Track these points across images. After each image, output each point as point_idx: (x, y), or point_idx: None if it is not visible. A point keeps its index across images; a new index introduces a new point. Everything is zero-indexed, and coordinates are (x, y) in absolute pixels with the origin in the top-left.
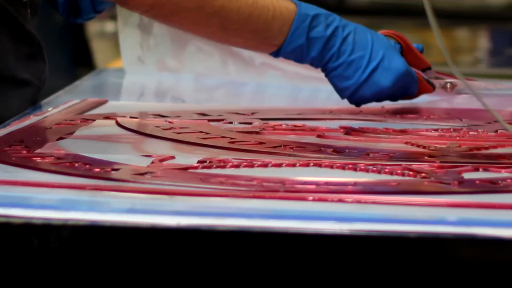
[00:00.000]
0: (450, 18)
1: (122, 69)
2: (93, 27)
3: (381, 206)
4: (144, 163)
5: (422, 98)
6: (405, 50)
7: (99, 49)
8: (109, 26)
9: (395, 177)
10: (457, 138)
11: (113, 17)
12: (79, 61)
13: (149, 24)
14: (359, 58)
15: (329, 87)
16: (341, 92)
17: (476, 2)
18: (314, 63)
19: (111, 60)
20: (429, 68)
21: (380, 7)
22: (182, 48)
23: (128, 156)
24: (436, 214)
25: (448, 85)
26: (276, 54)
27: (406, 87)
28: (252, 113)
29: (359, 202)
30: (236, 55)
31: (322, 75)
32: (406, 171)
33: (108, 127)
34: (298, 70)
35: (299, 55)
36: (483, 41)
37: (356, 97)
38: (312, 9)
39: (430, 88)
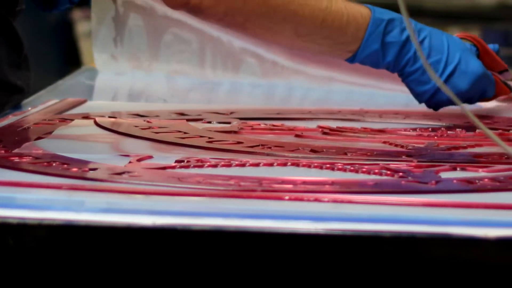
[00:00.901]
0: (441, 18)
1: None
2: (82, 26)
3: (356, 206)
4: (122, 162)
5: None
6: (481, 53)
7: (88, 49)
8: None
9: (373, 177)
10: (435, 137)
11: None
12: (69, 60)
13: (124, 16)
14: (436, 62)
15: (305, 84)
16: (419, 97)
17: (467, 2)
18: (390, 68)
19: None
20: (505, 70)
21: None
22: (158, 38)
23: (106, 156)
24: (411, 213)
25: None
26: (351, 60)
27: (483, 90)
28: (231, 113)
29: (335, 201)
30: (215, 42)
31: (299, 68)
32: (384, 171)
33: (86, 127)
34: (276, 58)
35: (374, 60)
36: None
37: (433, 101)
38: (387, 14)
39: (507, 90)
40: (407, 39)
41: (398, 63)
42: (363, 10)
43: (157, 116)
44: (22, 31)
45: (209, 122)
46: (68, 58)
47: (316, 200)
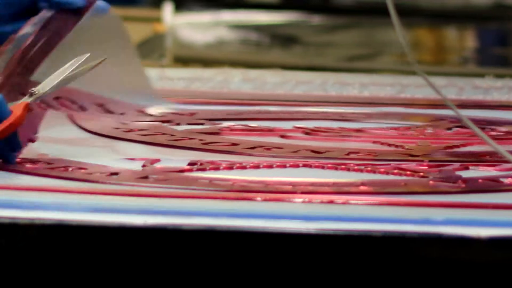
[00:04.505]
0: (436, 17)
1: None
2: None
3: (348, 206)
4: (130, 166)
5: None
6: None
7: None
8: None
9: (391, 177)
10: (421, 136)
11: None
12: None
13: None
14: None
15: None
16: None
17: (462, 1)
18: None
19: None
20: None
21: (365, 6)
22: None
23: (113, 160)
24: (402, 213)
25: None
26: None
27: None
28: (192, 114)
29: (331, 202)
30: None
31: None
32: (401, 171)
33: (68, 130)
34: None
35: None
36: (470, 40)
37: None
38: None
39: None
40: None
41: None
42: None
43: (123, 113)
44: None
45: (178, 124)
46: None
47: (309, 201)
